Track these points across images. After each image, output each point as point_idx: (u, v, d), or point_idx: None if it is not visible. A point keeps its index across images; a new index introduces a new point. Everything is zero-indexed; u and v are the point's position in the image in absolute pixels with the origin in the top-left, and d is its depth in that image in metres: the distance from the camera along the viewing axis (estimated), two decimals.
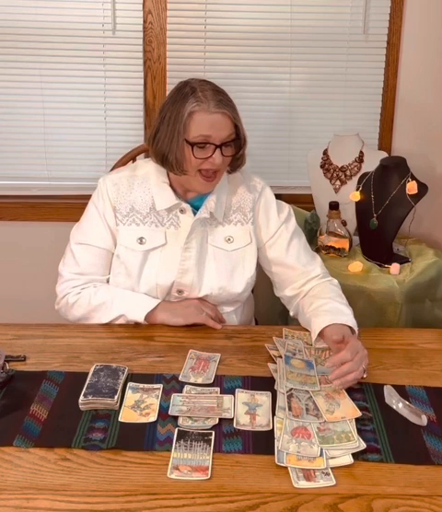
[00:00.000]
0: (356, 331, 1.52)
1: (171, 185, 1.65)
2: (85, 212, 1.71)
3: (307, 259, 1.72)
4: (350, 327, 1.50)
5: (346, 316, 1.53)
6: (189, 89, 1.53)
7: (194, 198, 1.66)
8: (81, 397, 1.30)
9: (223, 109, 1.52)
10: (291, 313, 1.74)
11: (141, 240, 1.65)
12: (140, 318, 1.60)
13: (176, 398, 1.32)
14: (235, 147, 1.59)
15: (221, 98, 1.53)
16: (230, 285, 1.68)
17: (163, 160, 1.58)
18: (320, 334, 1.50)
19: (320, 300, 1.60)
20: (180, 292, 1.67)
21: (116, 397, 1.31)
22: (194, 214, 1.64)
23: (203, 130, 1.51)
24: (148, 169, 1.67)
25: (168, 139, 1.55)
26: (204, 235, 1.67)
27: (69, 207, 2.42)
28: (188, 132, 1.52)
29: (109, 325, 1.62)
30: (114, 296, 1.64)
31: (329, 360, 1.36)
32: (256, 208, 1.71)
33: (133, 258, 1.65)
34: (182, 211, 1.64)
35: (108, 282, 1.69)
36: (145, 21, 2.32)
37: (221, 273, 1.67)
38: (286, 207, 1.75)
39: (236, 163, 1.65)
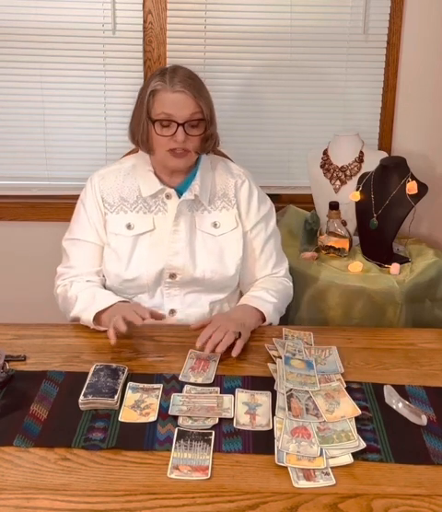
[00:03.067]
0: (268, 319, 1.65)
1: (156, 173, 1.70)
2: (74, 212, 1.76)
3: (276, 261, 1.79)
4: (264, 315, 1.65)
5: (265, 303, 1.67)
6: (158, 72, 1.62)
7: (180, 185, 1.70)
8: (81, 397, 1.30)
9: (185, 88, 1.57)
10: None
11: (129, 226, 1.69)
12: (89, 321, 1.58)
13: (176, 398, 1.32)
14: (201, 128, 1.63)
15: (186, 80, 1.59)
16: (222, 268, 1.71)
17: (133, 138, 1.67)
18: None
19: (257, 289, 1.73)
20: (172, 276, 1.69)
21: (116, 397, 1.31)
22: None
23: (165, 108, 1.58)
24: (134, 161, 1.74)
25: (137, 118, 1.64)
26: (192, 220, 1.71)
27: (69, 207, 2.37)
28: (151, 110, 1.60)
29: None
30: (79, 292, 1.64)
31: (197, 339, 1.48)
32: (238, 195, 1.75)
33: (123, 243, 1.69)
34: (168, 196, 1.69)
35: (99, 275, 1.71)
36: (145, 21, 2.32)
37: (212, 257, 1.71)
38: (268, 204, 1.80)
39: (206, 144, 1.68)
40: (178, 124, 1.58)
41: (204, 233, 1.71)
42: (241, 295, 1.83)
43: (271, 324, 1.67)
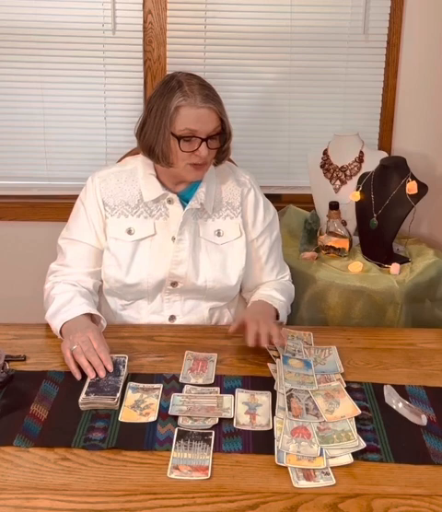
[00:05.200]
0: (281, 318, 1.66)
1: (158, 178, 1.67)
2: (72, 211, 1.74)
3: (280, 268, 1.80)
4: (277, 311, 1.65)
5: (277, 300, 1.67)
6: (175, 83, 1.56)
7: (184, 190, 1.68)
8: (83, 395, 1.31)
9: (209, 103, 1.54)
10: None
11: (129, 231, 1.67)
12: (55, 330, 1.55)
13: (176, 397, 1.32)
14: (220, 140, 1.62)
15: (207, 93, 1.55)
16: (224, 277, 1.69)
17: (150, 152, 1.61)
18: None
19: (265, 288, 1.73)
20: (173, 284, 1.68)
21: (117, 395, 1.31)
22: (183, 205, 1.67)
23: (190, 124, 1.54)
24: (136, 164, 1.71)
25: (155, 132, 1.57)
26: (196, 228, 1.69)
27: (69, 207, 2.37)
28: (174, 125, 1.55)
29: (109, 325, 1.62)
30: (56, 296, 1.61)
31: (247, 340, 1.47)
32: (244, 203, 1.73)
33: (123, 248, 1.67)
34: (170, 201, 1.67)
35: (92, 277, 1.69)
36: (145, 21, 2.32)
37: (214, 266, 1.69)
38: (272, 211, 1.79)
39: (221, 155, 1.67)
40: (201, 140, 1.55)
41: (208, 241, 1.69)
42: (242, 300, 1.83)
43: (282, 323, 1.67)
